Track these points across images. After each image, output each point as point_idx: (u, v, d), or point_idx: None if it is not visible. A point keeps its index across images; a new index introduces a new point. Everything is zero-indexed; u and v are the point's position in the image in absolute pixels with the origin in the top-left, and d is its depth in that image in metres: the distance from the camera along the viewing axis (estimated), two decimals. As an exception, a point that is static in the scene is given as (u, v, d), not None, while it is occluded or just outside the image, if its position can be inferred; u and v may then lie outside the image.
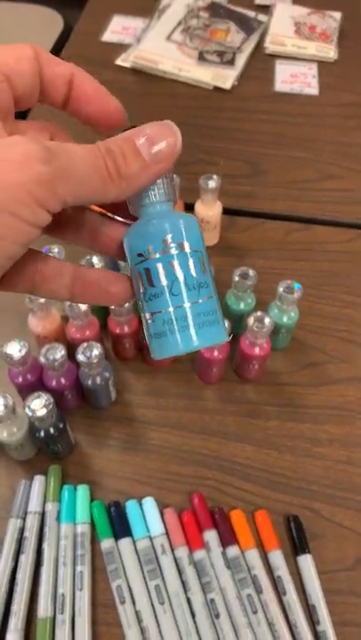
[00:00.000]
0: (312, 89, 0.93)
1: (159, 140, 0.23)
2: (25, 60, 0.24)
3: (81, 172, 0.22)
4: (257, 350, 0.56)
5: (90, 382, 0.54)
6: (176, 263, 0.23)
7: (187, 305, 0.23)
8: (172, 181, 0.25)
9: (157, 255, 0.23)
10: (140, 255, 0.24)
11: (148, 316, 0.24)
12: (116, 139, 0.23)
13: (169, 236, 0.23)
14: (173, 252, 0.23)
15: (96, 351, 0.51)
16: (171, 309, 0.23)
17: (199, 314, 0.23)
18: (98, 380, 0.54)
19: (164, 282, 0.23)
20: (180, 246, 0.23)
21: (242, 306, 0.60)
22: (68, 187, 0.21)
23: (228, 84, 0.92)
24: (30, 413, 0.48)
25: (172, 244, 0.23)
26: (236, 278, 0.57)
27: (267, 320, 0.53)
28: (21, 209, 0.20)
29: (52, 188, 0.21)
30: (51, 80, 0.25)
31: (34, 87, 0.25)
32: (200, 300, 0.23)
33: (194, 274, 0.23)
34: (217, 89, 0.92)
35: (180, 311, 0.23)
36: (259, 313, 0.54)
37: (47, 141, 0.21)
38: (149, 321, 0.24)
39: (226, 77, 0.93)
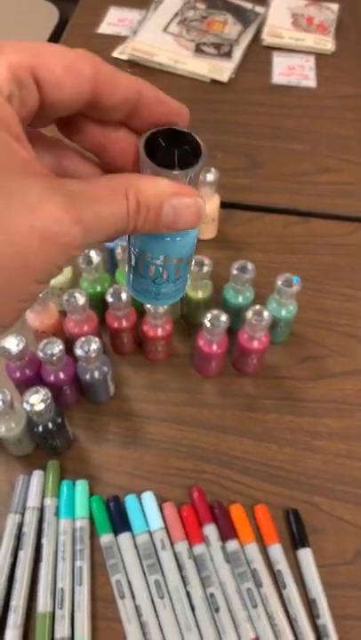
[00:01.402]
0: (310, 81, 0.93)
1: (183, 219, 0.23)
2: (73, 76, 0.21)
3: (104, 225, 0.21)
4: (255, 344, 0.56)
5: (88, 377, 0.54)
6: (166, 270, 0.26)
7: (164, 290, 0.27)
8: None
9: (153, 260, 0.25)
10: (139, 251, 0.25)
11: (132, 272, 0.27)
12: (148, 197, 0.22)
13: (168, 254, 0.25)
14: (167, 263, 0.26)
15: (94, 345, 0.51)
16: (152, 288, 0.27)
17: (169, 293, 0.28)
18: (96, 374, 0.54)
19: (151, 274, 0.26)
20: (174, 260, 0.26)
21: (240, 299, 0.60)
22: (89, 237, 0.21)
23: (225, 77, 0.91)
24: (28, 408, 0.48)
25: (169, 260, 0.25)
26: (235, 272, 0.56)
27: (265, 313, 0.53)
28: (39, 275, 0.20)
29: (74, 246, 0.20)
30: (112, 106, 0.23)
31: (72, 105, 0.22)
32: (174, 287, 0.28)
33: (176, 273, 0.26)
34: (214, 81, 0.91)
35: (157, 289, 0.27)
36: (257, 306, 0.53)
37: (70, 190, 0.20)
38: (132, 275, 0.27)
39: (223, 70, 0.92)
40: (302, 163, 0.81)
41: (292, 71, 0.94)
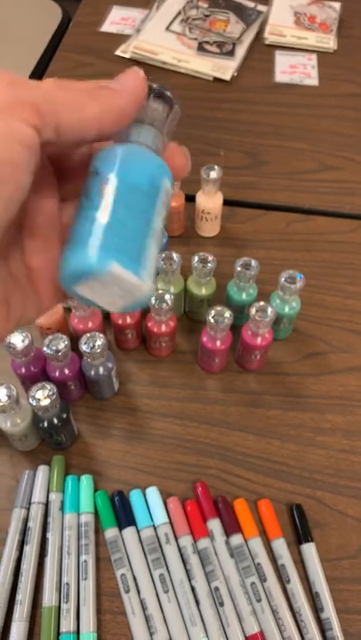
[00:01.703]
0: (312, 79, 0.93)
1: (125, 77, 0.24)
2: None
3: (54, 92, 0.21)
4: (259, 340, 0.56)
5: (93, 373, 0.54)
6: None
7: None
8: (160, 134, 0.26)
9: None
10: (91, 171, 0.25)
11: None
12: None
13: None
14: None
15: (99, 341, 0.51)
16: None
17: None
18: (101, 370, 0.54)
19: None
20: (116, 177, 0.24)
21: (244, 296, 0.60)
22: (41, 96, 0.20)
23: (227, 75, 0.92)
24: (34, 403, 0.48)
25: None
26: (239, 268, 0.57)
27: (269, 310, 0.53)
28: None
29: (21, 97, 0.20)
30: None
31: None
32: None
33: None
34: (216, 80, 0.92)
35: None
36: (261, 303, 0.54)
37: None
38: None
39: (225, 68, 0.92)
40: (305, 161, 0.81)
41: (295, 69, 0.95)
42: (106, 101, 0.22)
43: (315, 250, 0.71)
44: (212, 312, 0.53)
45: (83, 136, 0.22)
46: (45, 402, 0.48)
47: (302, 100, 0.90)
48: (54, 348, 0.51)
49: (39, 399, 0.48)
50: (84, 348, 0.51)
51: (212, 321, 0.53)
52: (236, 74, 0.92)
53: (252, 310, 0.54)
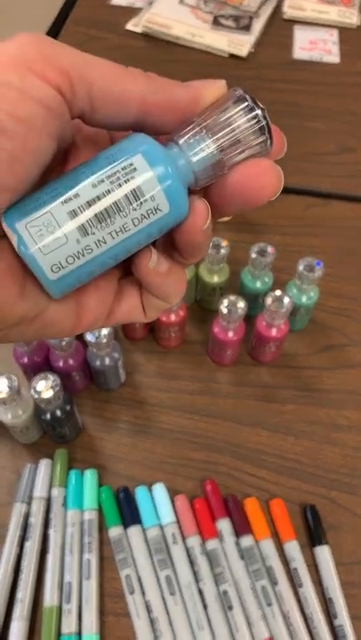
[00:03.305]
0: (333, 56, 0.89)
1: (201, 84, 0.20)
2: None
3: (90, 58, 0.19)
4: (274, 332, 0.53)
5: (98, 363, 0.52)
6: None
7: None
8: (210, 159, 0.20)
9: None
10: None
11: None
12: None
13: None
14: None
15: (105, 330, 0.49)
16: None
17: None
18: (107, 360, 0.52)
19: None
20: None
21: (258, 285, 0.57)
22: (69, 58, 0.18)
23: (244, 51, 0.87)
24: (36, 395, 0.46)
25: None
26: (254, 255, 0.53)
27: (286, 300, 0.50)
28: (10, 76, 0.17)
29: (45, 55, 0.18)
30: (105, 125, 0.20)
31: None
32: None
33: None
34: (232, 56, 0.88)
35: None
36: (277, 292, 0.51)
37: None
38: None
39: (242, 44, 0.88)
40: (323, 142, 0.77)
41: (315, 46, 0.90)
42: (155, 83, 0.20)
43: (333, 236, 0.67)
44: (225, 302, 0.51)
45: (120, 113, 0.19)
46: (48, 393, 0.46)
47: (322, 78, 0.85)
48: (58, 336, 0.48)
49: (41, 391, 0.46)
50: (89, 337, 0.48)
51: (224, 311, 0.50)
52: (252, 50, 0.88)
53: (268, 300, 0.51)
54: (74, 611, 0.45)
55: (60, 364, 0.52)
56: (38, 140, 0.17)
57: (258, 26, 0.91)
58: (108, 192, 0.19)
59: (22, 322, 0.20)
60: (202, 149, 0.19)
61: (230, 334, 0.53)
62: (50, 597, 0.45)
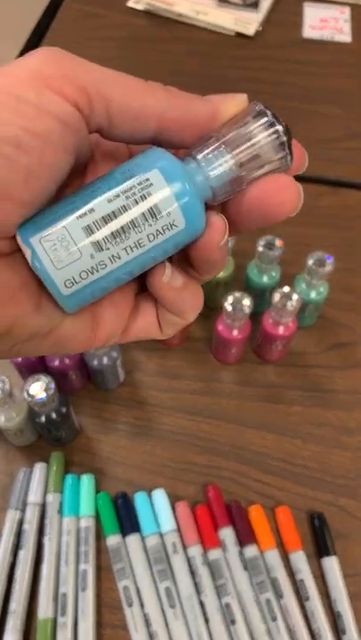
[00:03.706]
0: (344, 35, 0.84)
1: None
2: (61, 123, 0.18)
3: (109, 74, 0.19)
4: (281, 330, 0.50)
5: (96, 363, 0.49)
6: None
7: None
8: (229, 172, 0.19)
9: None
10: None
11: None
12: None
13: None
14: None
15: (102, 329, 0.46)
16: None
17: None
18: (105, 360, 0.49)
19: None
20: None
21: (265, 279, 0.54)
22: (88, 75, 0.18)
23: (251, 30, 0.83)
24: (29, 399, 0.43)
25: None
26: (260, 249, 0.50)
27: (294, 297, 0.47)
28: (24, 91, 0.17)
29: (64, 72, 0.18)
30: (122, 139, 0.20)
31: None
32: None
33: None
34: (239, 35, 0.83)
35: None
36: (286, 289, 0.48)
37: None
38: None
39: (249, 22, 0.84)
40: (334, 127, 0.74)
41: (325, 24, 0.86)
42: (174, 98, 0.19)
43: (345, 227, 0.64)
44: (230, 299, 0.48)
45: (139, 128, 0.19)
46: (41, 396, 0.44)
47: (333, 59, 0.81)
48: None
49: (34, 394, 0.43)
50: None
51: (228, 309, 0.47)
52: (260, 28, 0.84)
53: (276, 297, 0.48)
54: (69, 623, 0.43)
55: (56, 363, 0.49)
56: (55, 155, 0.18)
57: (266, 3, 0.86)
58: (124, 208, 0.18)
59: (36, 336, 0.20)
60: (220, 165, 0.19)
61: (235, 333, 0.50)
62: (44, 609, 0.43)
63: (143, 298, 0.22)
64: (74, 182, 0.20)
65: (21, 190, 0.17)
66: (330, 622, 0.43)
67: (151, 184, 0.18)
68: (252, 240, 0.52)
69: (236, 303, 0.48)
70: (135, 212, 0.18)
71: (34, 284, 0.19)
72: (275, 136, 0.19)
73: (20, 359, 0.49)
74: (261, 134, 0.19)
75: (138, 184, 0.18)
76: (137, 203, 0.18)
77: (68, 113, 0.17)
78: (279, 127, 0.19)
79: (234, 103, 0.20)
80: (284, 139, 0.19)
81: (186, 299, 0.21)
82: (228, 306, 0.47)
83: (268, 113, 0.19)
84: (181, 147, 0.20)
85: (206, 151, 0.19)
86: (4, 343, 0.19)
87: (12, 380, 0.46)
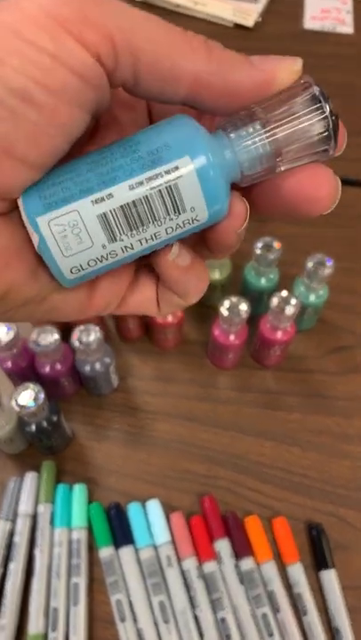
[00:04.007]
0: (346, 27, 0.82)
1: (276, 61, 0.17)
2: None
3: (142, 22, 0.16)
4: (279, 335, 0.49)
5: (88, 369, 0.48)
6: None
7: None
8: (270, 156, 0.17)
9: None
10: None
11: None
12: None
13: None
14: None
15: (94, 335, 0.45)
16: None
17: None
18: (97, 366, 0.48)
19: None
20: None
21: (263, 282, 0.52)
22: (116, 19, 0.15)
23: (250, 21, 0.81)
24: (18, 408, 0.42)
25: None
26: (258, 251, 0.49)
27: (293, 301, 0.46)
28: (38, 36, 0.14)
29: (86, 13, 0.15)
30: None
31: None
32: None
33: None
34: (238, 26, 0.81)
35: None
36: (284, 293, 0.46)
37: None
38: None
39: (248, 13, 0.81)
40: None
41: (327, 15, 0.83)
42: (217, 59, 0.16)
43: (346, 226, 0.62)
44: (227, 303, 0.46)
45: (167, 89, 0.16)
46: (31, 405, 0.42)
47: (335, 51, 0.79)
48: (42, 342, 0.44)
49: (23, 404, 0.42)
50: (76, 344, 0.44)
51: (225, 314, 0.46)
52: (260, 19, 0.82)
53: (274, 301, 0.46)
54: (61, 639, 0.42)
55: (47, 369, 0.48)
56: (69, 114, 0.15)
57: (266, -7, 0.84)
58: (146, 199, 0.16)
59: (31, 302, 0.18)
60: (255, 144, 0.17)
61: (232, 338, 0.49)
62: (35, 624, 0.42)
63: (144, 272, 0.21)
64: (85, 137, 0.18)
65: (27, 149, 0.15)
66: (328, 638, 0.42)
67: (180, 175, 0.16)
68: (250, 241, 0.50)
69: (233, 308, 0.46)
70: (158, 204, 0.16)
71: (31, 250, 0.17)
72: (321, 117, 0.16)
73: (9, 365, 0.48)
74: (306, 114, 0.16)
75: (165, 172, 0.16)
76: (161, 195, 0.16)
77: (89, 66, 0.15)
78: (327, 108, 0.16)
79: (292, 71, 0.17)
80: (331, 123, 0.16)
81: (191, 279, 0.20)
82: (224, 311, 0.46)
83: (317, 89, 0.17)
84: (214, 114, 0.18)
85: (241, 127, 0.17)
86: None
87: (2, 388, 0.45)
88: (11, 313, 0.18)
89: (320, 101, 0.16)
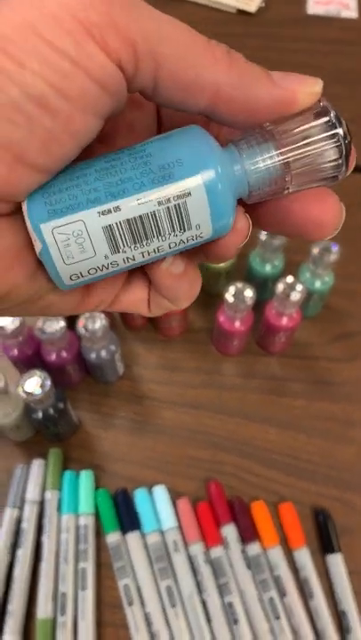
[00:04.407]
0: (350, 11, 0.81)
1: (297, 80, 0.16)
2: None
3: (166, 29, 0.15)
4: (285, 321, 0.49)
5: (94, 356, 0.48)
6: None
7: None
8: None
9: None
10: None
11: None
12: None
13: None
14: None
15: (99, 323, 0.45)
16: None
17: None
18: (103, 353, 0.48)
19: None
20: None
21: (268, 268, 0.52)
22: (140, 25, 0.15)
23: (253, 7, 0.80)
24: (25, 395, 0.42)
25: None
26: (263, 237, 0.49)
27: (298, 287, 0.46)
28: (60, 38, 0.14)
29: (112, 17, 0.14)
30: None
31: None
32: None
33: None
34: (241, 12, 0.80)
35: None
36: (289, 278, 0.46)
37: None
38: None
39: (251, -2, 0.81)
40: (340, 108, 0.70)
41: (331, -1, 0.82)
42: (238, 71, 0.16)
43: (350, 212, 0.62)
44: (232, 289, 0.46)
45: (186, 100, 0.16)
46: (37, 392, 0.42)
47: (339, 36, 0.78)
48: (48, 330, 0.44)
49: (30, 391, 0.42)
50: (82, 331, 0.44)
51: (230, 300, 0.46)
52: (262, 5, 0.81)
53: (279, 287, 0.46)
54: (69, 623, 0.42)
55: (53, 357, 0.48)
56: (84, 122, 0.15)
57: (269, -22, 0.83)
58: (153, 215, 0.16)
59: (28, 301, 0.18)
60: (268, 169, 0.17)
61: (237, 324, 0.49)
62: (43, 609, 0.42)
63: (137, 273, 0.21)
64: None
65: (38, 155, 0.15)
66: (334, 621, 0.42)
67: (189, 194, 0.16)
68: (255, 228, 0.50)
69: (238, 294, 0.46)
70: (164, 221, 0.16)
71: (31, 252, 0.17)
72: (335, 145, 0.16)
73: (15, 353, 0.48)
74: (321, 140, 0.16)
75: (175, 190, 0.16)
76: (168, 213, 0.16)
77: (109, 73, 0.14)
78: (342, 135, 0.16)
79: (312, 92, 0.16)
80: (345, 150, 0.16)
81: (183, 287, 0.19)
82: (229, 297, 0.46)
83: (333, 115, 0.16)
84: (231, 127, 0.17)
85: (255, 146, 0.17)
86: None
87: (8, 376, 0.45)
88: (7, 311, 0.19)
89: (336, 127, 0.16)
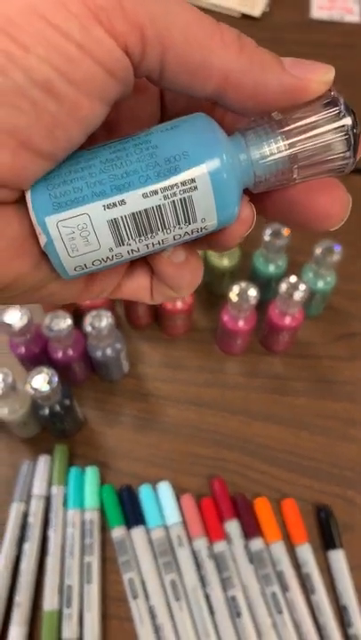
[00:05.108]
0: (354, 16, 0.82)
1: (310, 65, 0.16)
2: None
3: (174, 12, 0.15)
4: (288, 320, 0.49)
5: (99, 354, 0.49)
6: None
7: None
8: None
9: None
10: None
11: None
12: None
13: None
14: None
15: (105, 321, 0.45)
16: None
17: None
18: (108, 351, 0.49)
19: None
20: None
21: (271, 269, 0.53)
22: (148, 9, 0.14)
23: (257, 11, 0.81)
24: (32, 392, 0.43)
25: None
26: (267, 238, 0.49)
27: (301, 287, 0.46)
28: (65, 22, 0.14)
29: (120, 4, 0.14)
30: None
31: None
32: None
33: None
34: (244, 17, 0.81)
35: None
36: (293, 278, 0.47)
37: None
38: None
39: (255, 2, 0.82)
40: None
41: (334, 4, 0.83)
42: (248, 57, 0.15)
43: (354, 213, 0.62)
44: (236, 289, 0.47)
45: (193, 85, 0.16)
46: (45, 389, 0.43)
47: (343, 40, 0.79)
48: (55, 327, 0.45)
49: (37, 387, 0.43)
50: (88, 329, 0.45)
51: (234, 299, 0.46)
52: (267, 9, 0.82)
53: (282, 287, 0.47)
54: (75, 615, 0.43)
55: (60, 355, 0.49)
56: (90, 107, 0.15)
57: (273, -18, 0.84)
58: (159, 209, 0.16)
59: (31, 290, 0.18)
60: (275, 160, 0.17)
61: (241, 323, 0.49)
62: (50, 601, 0.43)
63: (140, 261, 0.20)
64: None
65: (44, 141, 0.14)
66: (336, 616, 0.43)
67: (196, 188, 0.16)
68: (259, 228, 0.50)
69: (242, 294, 0.47)
70: (169, 214, 0.16)
71: (36, 241, 0.17)
72: (344, 136, 0.16)
73: (23, 350, 0.49)
74: (330, 131, 0.16)
75: (181, 184, 0.16)
76: (174, 206, 0.16)
77: (116, 58, 0.14)
78: (351, 125, 0.16)
79: (324, 80, 0.16)
80: (353, 141, 0.16)
81: (185, 275, 0.19)
82: (233, 296, 0.47)
83: (343, 106, 0.16)
84: (239, 113, 0.17)
85: (262, 136, 0.16)
86: None
87: (15, 373, 0.46)
88: (10, 299, 0.19)
89: (345, 117, 0.16)
